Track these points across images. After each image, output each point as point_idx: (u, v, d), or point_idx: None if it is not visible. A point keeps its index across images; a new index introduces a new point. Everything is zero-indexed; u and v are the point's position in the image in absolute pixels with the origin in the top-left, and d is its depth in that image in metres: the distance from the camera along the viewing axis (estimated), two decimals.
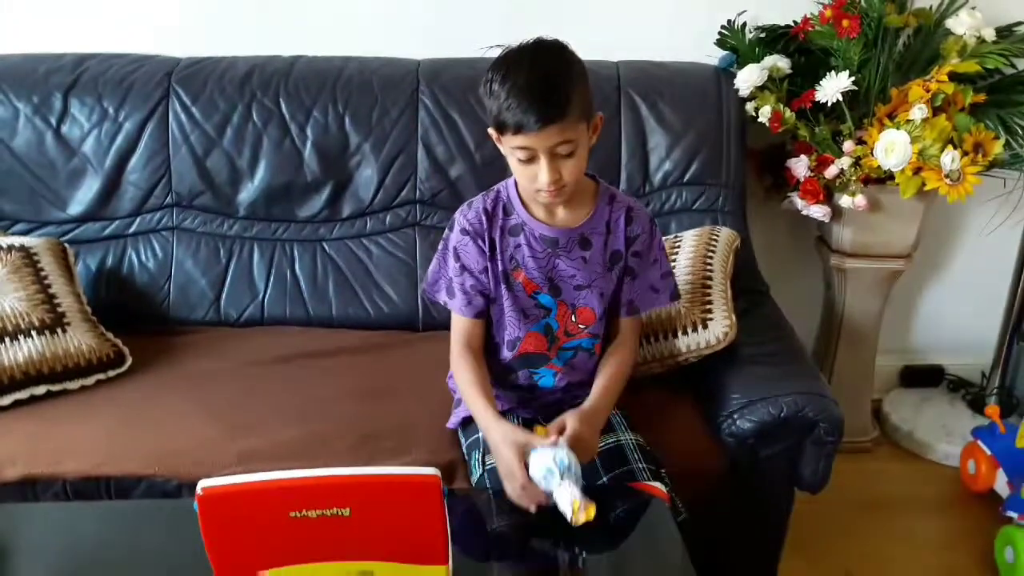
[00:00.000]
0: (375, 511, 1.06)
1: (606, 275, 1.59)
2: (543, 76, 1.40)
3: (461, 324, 1.61)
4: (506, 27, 2.27)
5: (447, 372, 1.74)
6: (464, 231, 1.57)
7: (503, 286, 1.57)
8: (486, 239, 1.56)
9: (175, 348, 2.01)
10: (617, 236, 1.58)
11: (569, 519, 1.30)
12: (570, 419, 1.45)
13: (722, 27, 2.27)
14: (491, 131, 1.48)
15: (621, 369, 1.61)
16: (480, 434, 1.59)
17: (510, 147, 1.44)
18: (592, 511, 1.31)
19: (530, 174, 1.44)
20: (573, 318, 1.61)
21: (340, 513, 1.04)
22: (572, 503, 1.30)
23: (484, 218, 1.55)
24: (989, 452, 2.24)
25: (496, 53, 1.49)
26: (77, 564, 1.34)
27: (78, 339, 1.87)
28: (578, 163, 1.44)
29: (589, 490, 1.33)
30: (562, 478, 1.32)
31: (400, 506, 1.07)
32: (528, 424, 1.60)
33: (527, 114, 1.38)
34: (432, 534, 1.08)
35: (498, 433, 1.46)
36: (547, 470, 1.34)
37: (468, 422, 1.65)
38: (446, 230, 1.61)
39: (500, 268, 1.57)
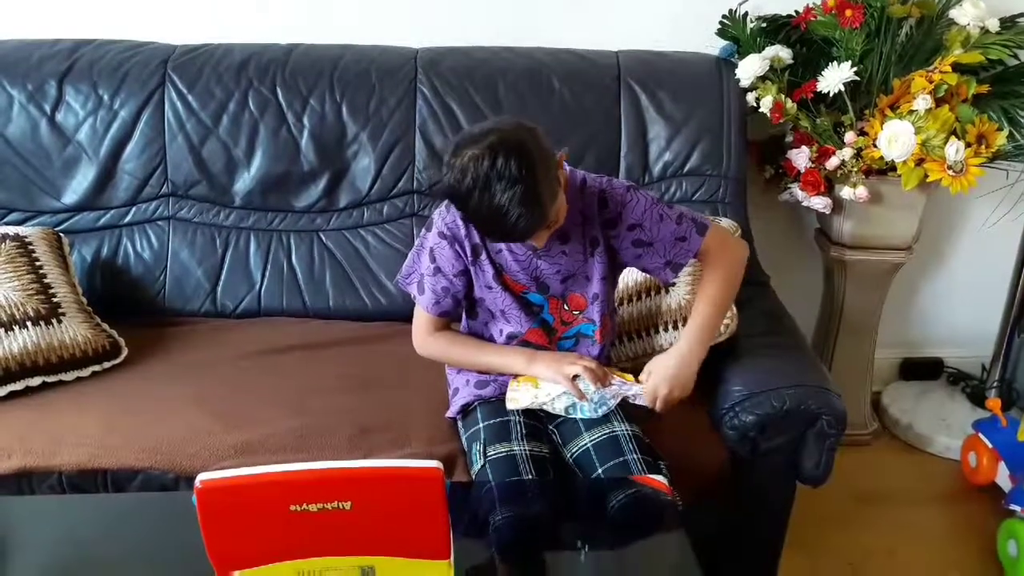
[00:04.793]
0: (376, 504, 1.04)
1: (588, 260, 1.60)
2: (518, 199, 1.33)
3: (425, 318, 1.66)
4: (505, 16, 2.29)
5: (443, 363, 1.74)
6: (441, 234, 1.58)
7: (498, 287, 1.58)
8: (466, 245, 1.57)
9: (171, 339, 1.99)
10: (592, 223, 1.58)
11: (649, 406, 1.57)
12: (646, 373, 1.59)
13: (723, 17, 2.25)
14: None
15: (707, 299, 1.62)
16: (480, 424, 1.59)
17: None
18: None
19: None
20: (566, 307, 1.63)
21: (341, 507, 1.03)
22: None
23: (462, 224, 1.56)
24: (991, 445, 2.23)
25: None
26: (73, 558, 1.33)
27: (73, 330, 1.85)
28: (560, 217, 1.48)
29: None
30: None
31: (402, 499, 1.05)
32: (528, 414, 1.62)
33: (508, 237, 1.43)
34: (434, 528, 1.07)
35: (543, 352, 1.60)
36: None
37: (468, 412, 1.65)
38: (424, 228, 1.64)
39: (492, 271, 1.58)
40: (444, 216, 1.58)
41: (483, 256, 1.58)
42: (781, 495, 1.78)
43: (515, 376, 1.62)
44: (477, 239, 1.57)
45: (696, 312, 1.62)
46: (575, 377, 1.55)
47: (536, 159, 1.36)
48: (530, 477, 1.50)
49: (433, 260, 1.60)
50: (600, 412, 1.58)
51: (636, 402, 1.58)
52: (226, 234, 2.14)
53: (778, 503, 1.79)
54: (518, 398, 1.59)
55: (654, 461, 1.54)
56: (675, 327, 1.79)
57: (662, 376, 1.57)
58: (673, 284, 1.78)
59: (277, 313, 2.12)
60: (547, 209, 1.39)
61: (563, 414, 1.60)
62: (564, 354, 1.60)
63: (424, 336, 1.67)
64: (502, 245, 1.56)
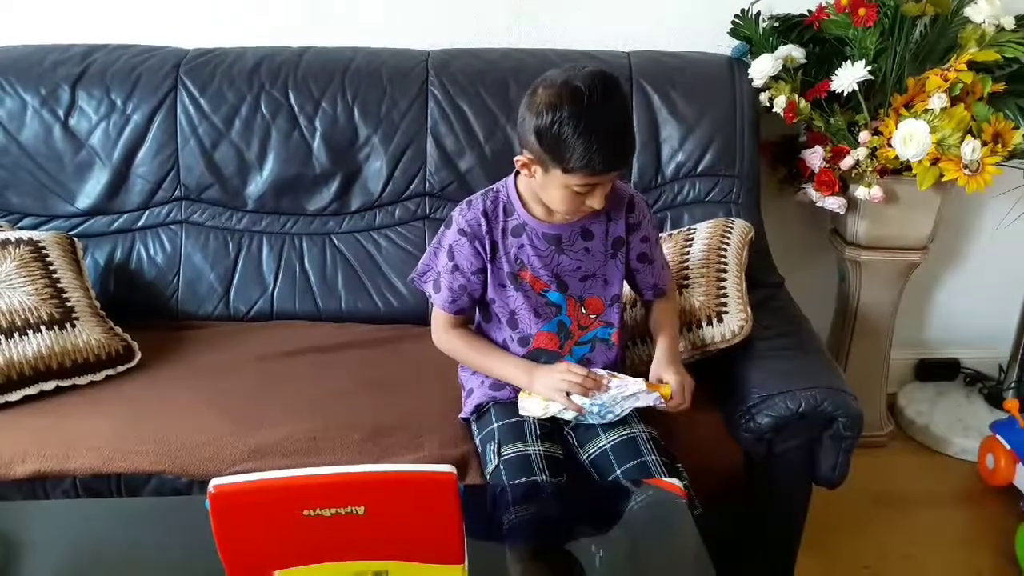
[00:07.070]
0: (390, 509, 1.04)
1: (609, 262, 1.61)
2: (620, 125, 1.42)
3: (443, 316, 1.66)
4: (516, 17, 2.29)
5: (456, 364, 1.73)
6: (461, 231, 1.57)
7: (512, 286, 1.57)
8: (486, 242, 1.57)
9: (184, 343, 1.99)
10: (618, 223, 1.59)
11: (655, 401, 1.53)
12: (665, 373, 1.57)
13: (735, 16, 2.25)
14: (524, 158, 1.46)
15: (672, 314, 1.71)
16: (495, 424, 1.59)
17: (565, 183, 1.43)
18: (668, 388, 1.54)
19: (578, 202, 1.47)
20: (583, 309, 1.62)
21: (354, 511, 1.02)
22: (645, 385, 1.53)
23: (483, 220, 1.56)
24: (1008, 446, 2.21)
25: None
26: (87, 562, 1.32)
27: (87, 334, 1.85)
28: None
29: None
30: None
31: (415, 504, 1.04)
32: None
33: (608, 163, 1.40)
34: (448, 532, 1.06)
35: (541, 367, 1.57)
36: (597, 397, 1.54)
37: (482, 413, 1.65)
38: (443, 226, 1.63)
39: (507, 269, 1.58)
40: (464, 213, 1.57)
41: (500, 253, 1.57)
42: (797, 497, 1.77)
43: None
44: (497, 236, 1.56)
45: (666, 333, 1.66)
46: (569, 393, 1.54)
47: (627, 94, 1.45)
48: (544, 478, 1.49)
49: (452, 258, 1.59)
50: (607, 419, 1.56)
51: (642, 403, 1.55)
52: (239, 237, 2.15)
53: (794, 505, 1.77)
54: (529, 408, 1.58)
55: (672, 463, 1.54)
56: (691, 329, 1.78)
57: (680, 370, 1.58)
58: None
59: (290, 316, 2.12)
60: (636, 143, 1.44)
61: (574, 421, 1.59)
62: (556, 368, 1.56)
63: (441, 332, 1.67)
64: (524, 240, 1.56)
